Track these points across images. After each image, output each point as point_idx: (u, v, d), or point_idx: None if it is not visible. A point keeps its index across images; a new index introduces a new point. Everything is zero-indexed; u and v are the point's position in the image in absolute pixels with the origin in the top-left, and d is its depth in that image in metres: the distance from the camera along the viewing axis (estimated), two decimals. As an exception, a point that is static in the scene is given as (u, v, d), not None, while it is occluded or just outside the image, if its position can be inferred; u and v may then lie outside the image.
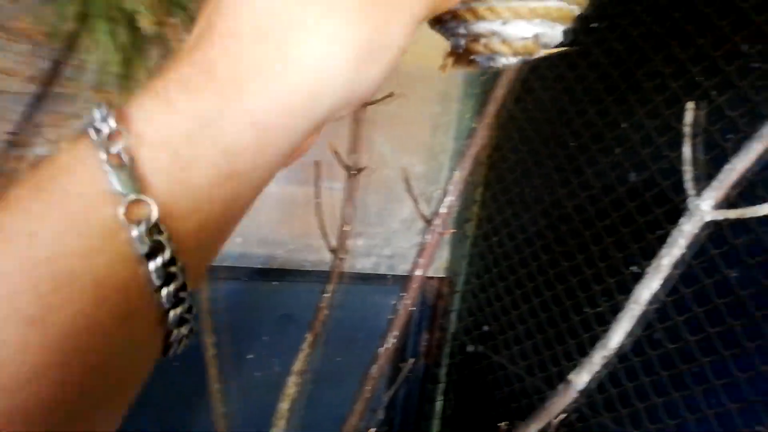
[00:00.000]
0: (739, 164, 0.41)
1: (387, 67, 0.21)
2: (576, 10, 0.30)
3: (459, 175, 0.68)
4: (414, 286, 0.68)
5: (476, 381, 1.07)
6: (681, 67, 0.83)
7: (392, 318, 0.69)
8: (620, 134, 0.90)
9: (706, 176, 0.45)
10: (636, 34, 0.90)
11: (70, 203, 0.16)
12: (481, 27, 0.28)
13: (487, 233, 1.16)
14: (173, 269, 0.17)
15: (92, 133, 0.17)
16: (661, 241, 0.81)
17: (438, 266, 1.25)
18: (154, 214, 0.16)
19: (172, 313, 0.17)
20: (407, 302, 0.67)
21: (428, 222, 0.69)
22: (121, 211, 0.16)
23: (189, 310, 0.18)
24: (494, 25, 0.28)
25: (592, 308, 0.89)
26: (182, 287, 0.17)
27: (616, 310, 0.86)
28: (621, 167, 0.88)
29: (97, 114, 0.17)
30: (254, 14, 0.18)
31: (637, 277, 0.84)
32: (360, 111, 0.81)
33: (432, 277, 1.25)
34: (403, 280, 1.22)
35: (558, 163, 1.01)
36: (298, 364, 0.82)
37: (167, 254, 0.17)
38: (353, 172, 0.85)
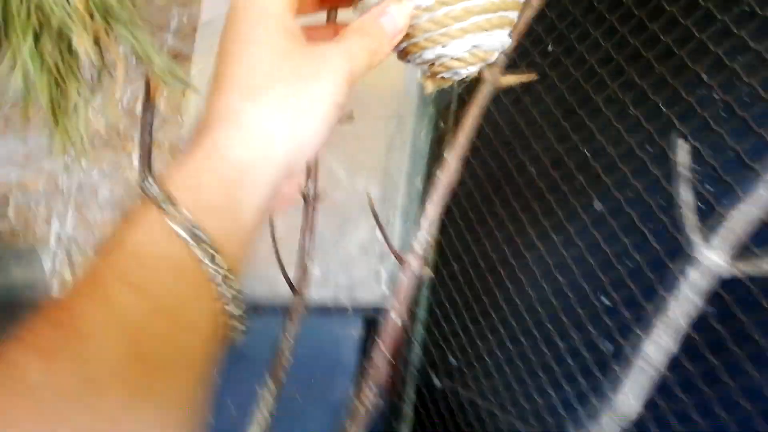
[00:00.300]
0: (749, 210, 0.39)
1: (323, 117, 0.29)
2: (511, 15, 0.34)
3: (432, 211, 0.64)
4: (390, 333, 0.63)
5: (446, 418, 1.03)
6: (641, 94, 0.83)
7: (366, 371, 0.64)
8: (582, 161, 0.89)
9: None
10: (594, 59, 0.90)
11: (144, 222, 0.25)
12: (429, 54, 0.34)
13: (447, 260, 1.12)
14: (211, 251, 0.25)
15: (145, 188, 0.26)
16: (632, 273, 0.81)
17: (397, 294, 1.21)
18: (188, 216, 0.25)
19: (224, 290, 0.25)
20: (384, 352, 0.62)
21: (401, 260, 0.64)
22: (168, 219, 0.25)
23: (237, 291, 0.26)
24: (437, 50, 0.33)
25: (563, 341, 0.87)
26: (222, 266, 0.25)
27: (588, 342, 0.85)
28: (584, 194, 0.87)
29: (143, 181, 0.26)
30: (218, 110, 0.28)
31: (609, 310, 0.83)
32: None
33: (391, 305, 1.21)
34: (363, 311, 1.18)
35: (518, 188, 0.99)
36: (259, 414, 0.75)
37: (205, 239, 0.25)
38: (311, 200, 0.79)
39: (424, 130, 1.26)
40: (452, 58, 0.34)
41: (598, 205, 0.85)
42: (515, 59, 0.57)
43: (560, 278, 0.89)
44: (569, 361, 0.86)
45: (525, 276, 0.94)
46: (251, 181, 0.27)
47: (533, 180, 0.96)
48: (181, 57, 1.15)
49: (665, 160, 0.78)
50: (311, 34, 0.34)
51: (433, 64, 0.34)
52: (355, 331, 1.17)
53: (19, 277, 0.75)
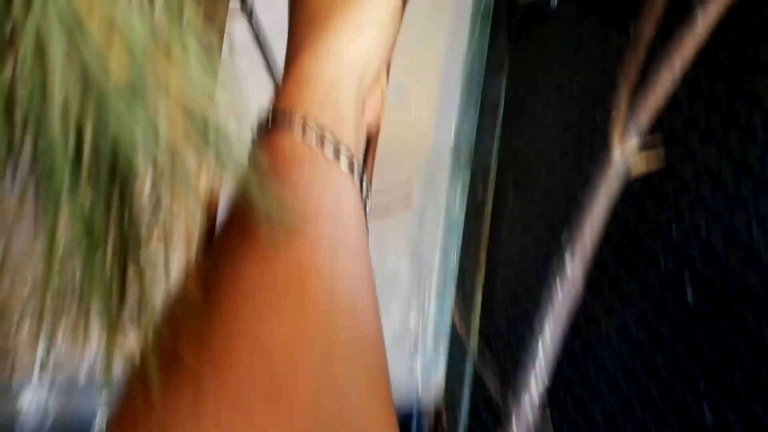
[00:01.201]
0: None
1: (381, 25, 0.35)
2: None
3: (550, 333, 0.49)
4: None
5: None
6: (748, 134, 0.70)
7: None
8: (666, 238, 0.75)
9: None
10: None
11: (274, 132, 0.31)
12: None
13: (494, 348, 0.97)
14: (335, 142, 0.30)
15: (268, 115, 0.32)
16: (747, 380, 0.66)
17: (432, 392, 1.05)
18: (313, 115, 0.30)
19: (354, 174, 0.30)
20: None
21: (507, 410, 0.49)
22: (299, 125, 0.30)
23: (363, 176, 0.32)
24: None
25: (657, 462, 0.70)
26: (348, 155, 0.30)
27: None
28: (671, 279, 0.73)
29: (268, 106, 0.33)
30: (298, 44, 0.35)
31: (716, 418, 0.67)
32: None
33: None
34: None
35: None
36: None
37: (329, 136, 0.30)
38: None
39: (458, 199, 1.13)
40: None
41: (691, 296, 0.70)
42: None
43: (646, 383, 0.73)
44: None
45: (597, 376, 0.79)
46: (343, 98, 0.31)
47: (600, 255, 0.82)
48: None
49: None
50: None
51: None
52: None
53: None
